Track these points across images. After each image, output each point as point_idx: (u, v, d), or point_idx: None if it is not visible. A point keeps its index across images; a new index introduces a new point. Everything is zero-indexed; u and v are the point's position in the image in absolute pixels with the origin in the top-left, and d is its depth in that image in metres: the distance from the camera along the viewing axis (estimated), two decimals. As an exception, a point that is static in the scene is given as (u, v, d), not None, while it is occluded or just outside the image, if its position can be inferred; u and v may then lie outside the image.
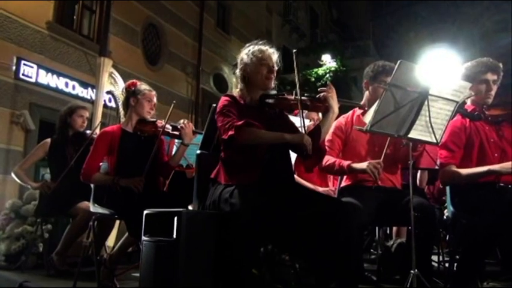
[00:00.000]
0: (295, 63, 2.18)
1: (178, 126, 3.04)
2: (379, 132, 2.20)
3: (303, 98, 2.20)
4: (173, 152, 3.30)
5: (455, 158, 2.54)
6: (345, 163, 2.47)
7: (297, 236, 2.05)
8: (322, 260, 1.99)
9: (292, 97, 2.25)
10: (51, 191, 3.57)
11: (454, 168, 2.52)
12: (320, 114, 2.54)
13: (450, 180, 2.61)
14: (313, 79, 14.69)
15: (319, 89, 2.24)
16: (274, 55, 2.32)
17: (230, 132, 2.05)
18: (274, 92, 2.31)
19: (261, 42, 2.34)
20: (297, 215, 2.03)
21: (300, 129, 2.29)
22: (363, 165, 2.37)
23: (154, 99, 3.10)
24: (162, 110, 3.20)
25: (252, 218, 1.88)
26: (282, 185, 2.15)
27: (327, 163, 2.55)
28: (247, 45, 2.36)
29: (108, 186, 2.85)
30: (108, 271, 2.87)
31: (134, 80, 3.18)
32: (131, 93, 3.06)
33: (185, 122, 3.06)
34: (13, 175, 3.82)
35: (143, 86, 3.09)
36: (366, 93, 2.73)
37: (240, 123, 2.06)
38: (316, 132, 2.24)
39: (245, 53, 2.31)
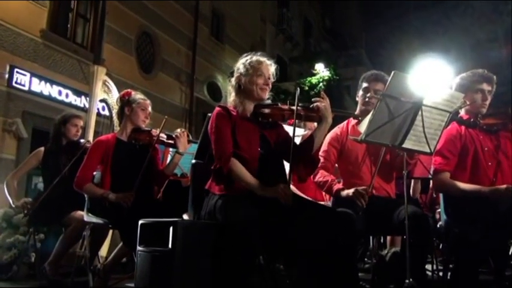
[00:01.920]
0: (296, 96, 2.18)
1: (173, 135, 3.05)
2: (373, 142, 2.22)
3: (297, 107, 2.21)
4: (168, 161, 3.29)
5: (450, 164, 2.57)
6: (334, 187, 2.52)
7: (293, 245, 2.05)
8: (317, 268, 1.99)
9: (286, 107, 2.26)
10: (30, 210, 3.56)
11: (449, 178, 2.54)
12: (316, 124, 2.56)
13: (443, 188, 2.64)
14: (306, 88, 14.77)
15: (312, 99, 2.25)
16: (271, 67, 2.33)
17: (218, 165, 2.13)
18: (268, 102, 2.32)
19: (259, 54, 2.35)
20: (292, 224, 2.04)
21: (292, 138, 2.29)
22: (349, 191, 2.40)
23: (149, 108, 3.12)
24: (156, 119, 3.21)
25: (248, 227, 1.88)
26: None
27: (319, 179, 2.59)
28: (245, 55, 2.37)
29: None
30: (102, 281, 2.85)
31: (129, 90, 3.19)
32: (126, 102, 3.07)
33: (181, 131, 3.06)
34: (4, 185, 3.79)
35: (138, 95, 3.10)
36: (359, 104, 2.76)
37: (227, 154, 2.11)
38: (309, 142, 2.26)
39: (242, 63, 2.32)
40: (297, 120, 2.20)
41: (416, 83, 2.15)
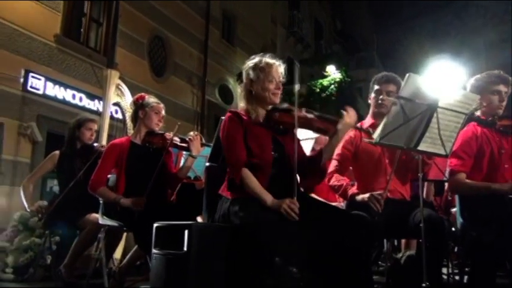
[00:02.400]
0: (296, 102, 2.15)
1: (187, 139, 3.06)
2: (388, 144, 2.20)
3: (311, 116, 2.18)
4: (181, 164, 3.31)
5: (466, 166, 2.55)
6: (349, 191, 2.50)
7: (307, 247, 2.05)
8: (331, 271, 1.99)
9: (301, 114, 2.19)
10: (44, 214, 3.61)
11: (465, 179, 2.52)
12: None
13: (458, 189, 2.62)
14: (318, 90, 14.72)
15: (343, 109, 2.21)
16: (281, 68, 2.28)
17: (232, 175, 2.13)
18: (283, 106, 2.27)
19: (268, 55, 2.30)
20: (306, 226, 2.03)
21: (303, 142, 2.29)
22: (364, 196, 2.39)
23: (163, 112, 3.14)
24: (168, 122, 3.23)
25: (262, 230, 1.88)
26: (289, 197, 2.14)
27: (333, 183, 2.58)
28: (252, 57, 2.32)
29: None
30: (117, 283, 2.88)
31: (143, 93, 3.22)
32: (139, 106, 3.10)
33: (194, 134, 3.08)
34: (21, 189, 3.84)
35: (151, 99, 3.14)
36: (372, 106, 2.75)
37: (239, 163, 2.09)
38: (317, 157, 2.26)
39: (251, 68, 2.26)
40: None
41: (431, 85, 2.13)
